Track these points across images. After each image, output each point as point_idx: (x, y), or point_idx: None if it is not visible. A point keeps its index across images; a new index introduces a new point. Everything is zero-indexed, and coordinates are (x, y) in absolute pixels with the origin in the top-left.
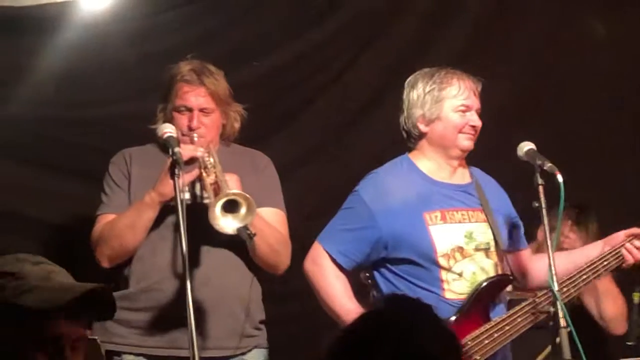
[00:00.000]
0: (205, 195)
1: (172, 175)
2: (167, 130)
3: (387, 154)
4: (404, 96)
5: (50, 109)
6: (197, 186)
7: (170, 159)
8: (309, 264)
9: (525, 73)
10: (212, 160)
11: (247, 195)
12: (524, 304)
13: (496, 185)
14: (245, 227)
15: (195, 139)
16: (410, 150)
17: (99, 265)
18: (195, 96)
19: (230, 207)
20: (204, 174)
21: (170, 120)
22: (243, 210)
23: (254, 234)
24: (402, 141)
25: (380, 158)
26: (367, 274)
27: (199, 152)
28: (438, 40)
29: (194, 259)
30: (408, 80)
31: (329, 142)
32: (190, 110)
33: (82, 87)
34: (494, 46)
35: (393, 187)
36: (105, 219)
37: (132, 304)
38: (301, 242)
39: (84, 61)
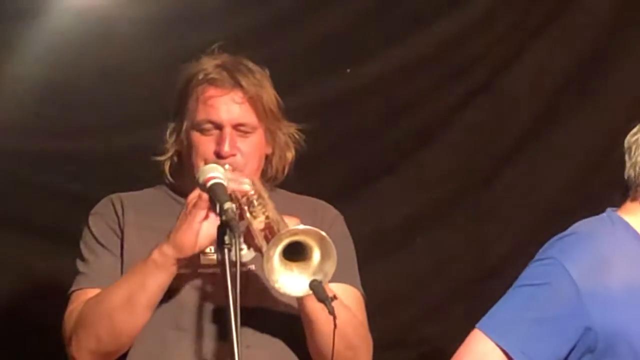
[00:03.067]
0: (246, 256)
1: (221, 245)
2: (213, 174)
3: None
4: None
5: (20, 138)
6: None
7: (203, 206)
8: None
9: None
10: (257, 195)
11: (322, 233)
12: None
13: None
14: (320, 285)
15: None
16: (619, 204)
17: None
18: (227, 104)
19: (295, 253)
20: (249, 217)
21: (188, 146)
22: (316, 256)
23: (334, 297)
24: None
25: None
26: None
27: (246, 186)
28: None
29: None
30: None
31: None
32: (219, 127)
33: (71, 106)
34: None
35: (612, 260)
36: (84, 297)
37: None
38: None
39: (73, 67)
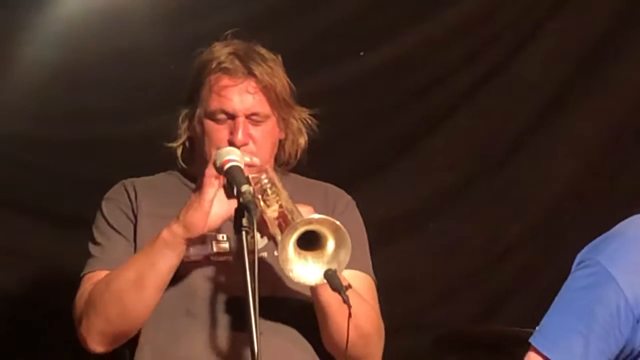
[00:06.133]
0: (258, 243)
1: (239, 229)
2: (230, 157)
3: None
4: None
5: (32, 123)
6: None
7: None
8: None
9: None
10: (271, 183)
11: (337, 223)
12: None
13: None
14: (335, 274)
15: None
16: None
17: (86, 349)
18: (240, 94)
19: (309, 243)
20: (263, 205)
21: (201, 133)
22: (330, 245)
23: (348, 287)
24: None
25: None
26: None
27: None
28: None
29: (234, 351)
30: None
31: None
32: (232, 117)
33: (84, 92)
34: None
35: None
36: (95, 279)
37: None
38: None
39: (88, 51)
